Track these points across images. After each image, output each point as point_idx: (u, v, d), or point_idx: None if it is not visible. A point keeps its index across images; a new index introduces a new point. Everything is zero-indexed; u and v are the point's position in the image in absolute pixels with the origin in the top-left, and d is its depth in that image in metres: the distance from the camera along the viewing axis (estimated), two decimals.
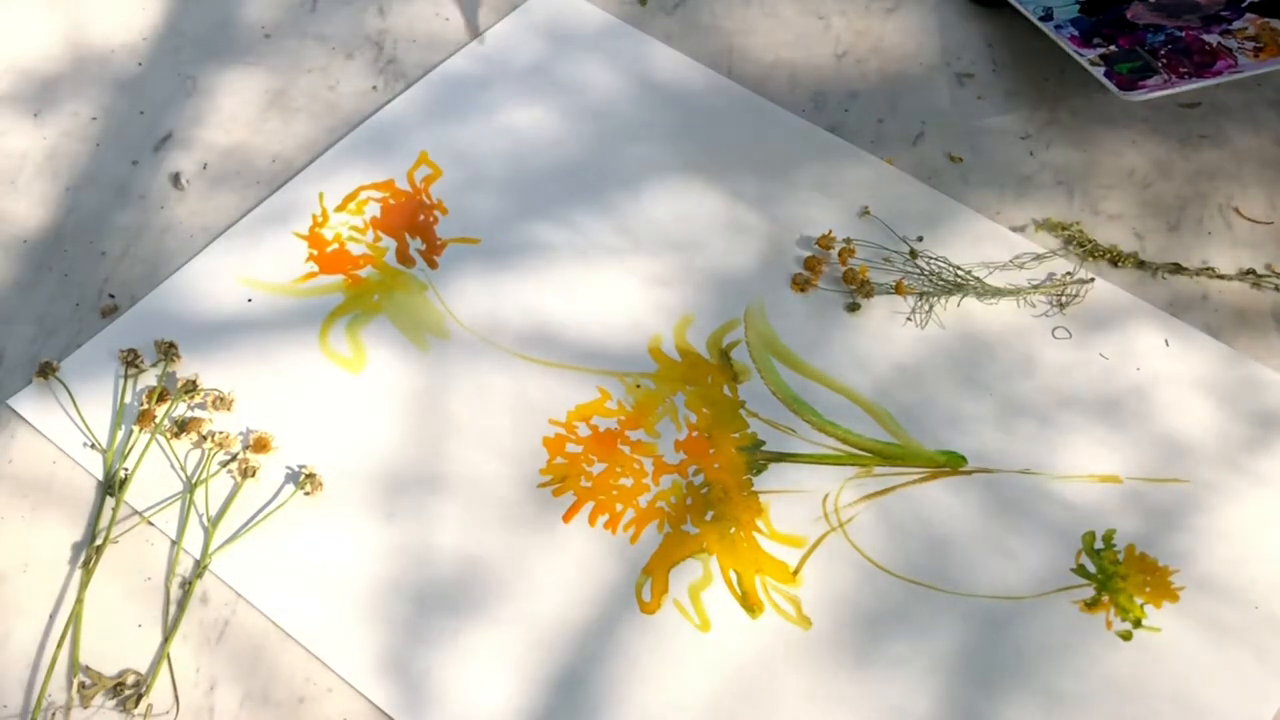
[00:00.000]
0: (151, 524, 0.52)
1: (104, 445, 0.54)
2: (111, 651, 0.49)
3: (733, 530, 0.52)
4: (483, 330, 0.58)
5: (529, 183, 0.64)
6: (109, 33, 0.70)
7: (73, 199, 0.63)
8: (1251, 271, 0.61)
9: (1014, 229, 0.62)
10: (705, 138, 0.66)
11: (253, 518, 0.52)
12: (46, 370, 0.55)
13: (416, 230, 0.62)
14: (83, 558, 0.51)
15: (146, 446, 0.54)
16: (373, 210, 0.62)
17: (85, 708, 0.48)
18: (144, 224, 0.62)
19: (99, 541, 0.51)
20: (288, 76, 0.68)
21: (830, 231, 0.61)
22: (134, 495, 0.53)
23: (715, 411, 0.56)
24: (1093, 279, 0.60)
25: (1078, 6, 0.67)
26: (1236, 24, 0.65)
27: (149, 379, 0.56)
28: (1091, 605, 0.51)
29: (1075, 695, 0.49)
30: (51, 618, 0.50)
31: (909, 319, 0.59)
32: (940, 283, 0.60)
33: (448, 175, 0.63)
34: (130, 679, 0.48)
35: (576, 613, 0.50)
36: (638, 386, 0.57)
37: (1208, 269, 0.61)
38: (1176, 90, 0.63)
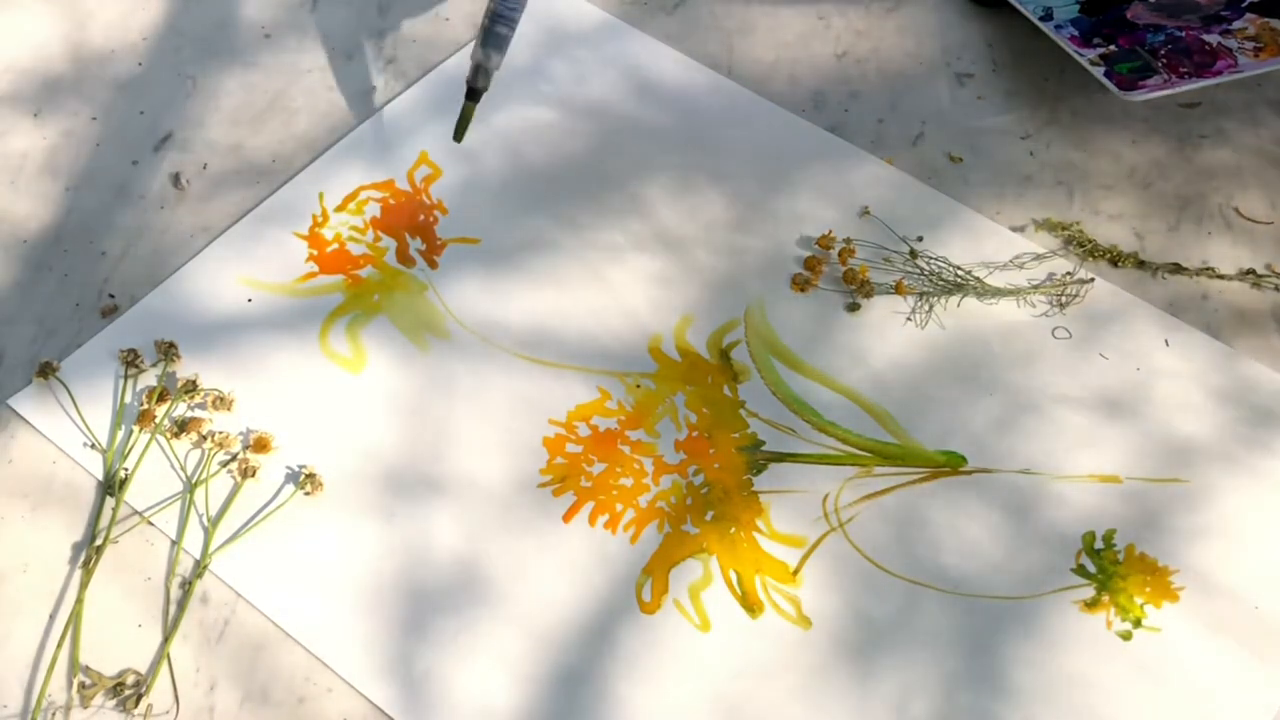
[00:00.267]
0: (151, 524, 0.52)
1: (104, 445, 0.54)
2: (111, 651, 0.49)
3: (733, 530, 0.52)
4: (483, 330, 0.58)
5: (529, 182, 0.64)
6: (109, 33, 0.70)
7: (73, 199, 0.63)
8: (1251, 271, 0.61)
9: (1014, 229, 0.62)
10: (705, 138, 0.66)
11: (253, 518, 0.52)
12: (46, 370, 0.55)
13: (416, 230, 0.62)
14: (83, 558, 0.51)
15: (146, 446, 0.54)
16: (373, 210, 0.62)
17: (85, 708, 0.48)
18: (144, 224, 0.62)
19: (99, 541, 0.51)
20: (288, 76, 0.68)
21: (830, 231, 0.61)
22: (134, 495, 0.53)
23: (715, 411, 0.56)
24: (1093, 279, 0.60)
25: (1078, 6, 0.67)
26: (1236, 24, 0.65)
27: (149, 379, 0.56)
28: (1091, 605, 0.51)
29: (1075, 695, 0.49)
30: (51, 618, 0.50)
31: (909, 319, 0.59)
32: (940, 283, 0.60)
33: (448, 175, 0.63)
34: (130, 679, 0.48)
35: (576, 613, 0.50)
36: (638, 386, 0.57)
37: (1208, 269, 0.61)
38: (1176, 90, 0.63)
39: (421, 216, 0.62)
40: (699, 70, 0.69)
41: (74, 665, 0.48)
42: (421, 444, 0.54)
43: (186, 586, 0.51)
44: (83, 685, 0.48)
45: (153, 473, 0.53)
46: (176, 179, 0.64)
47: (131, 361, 0.56)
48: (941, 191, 0.64)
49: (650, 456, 0.54)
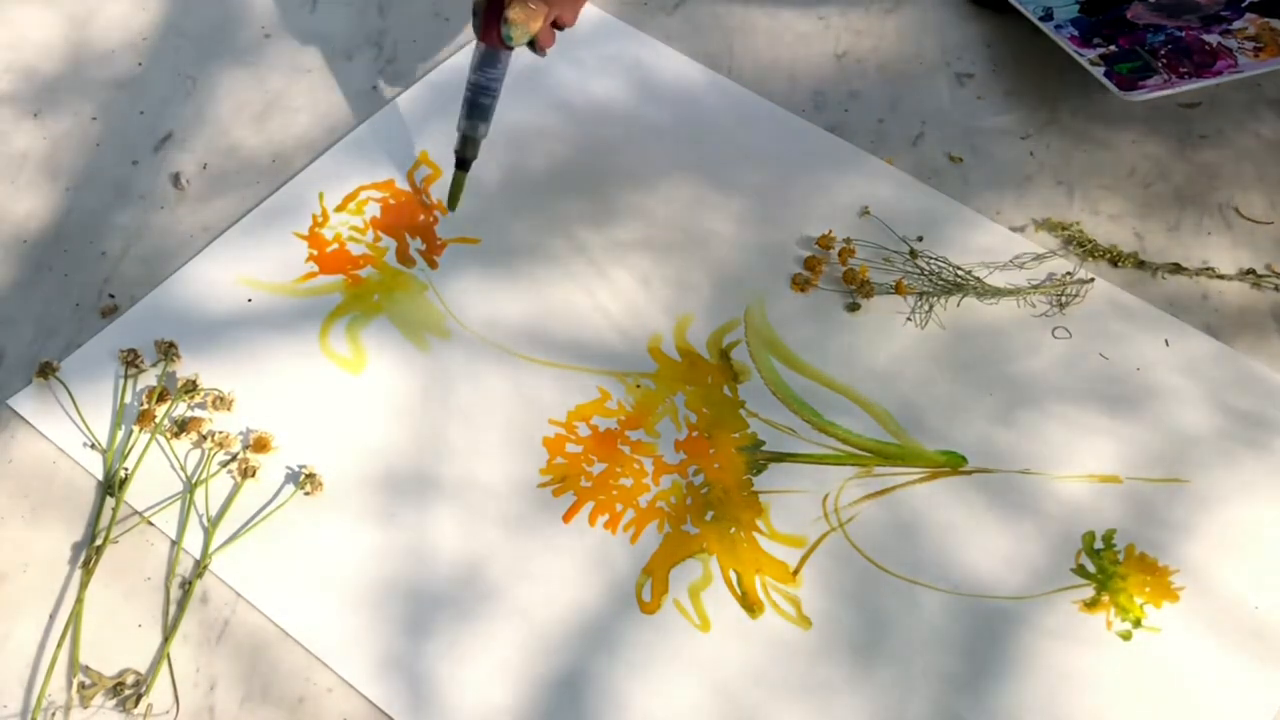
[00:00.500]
0: (151, 524, 0.52)
1: (104, 445, 0.54)
2: (111, 651, 0.49)
3: (733, 530, 0.52)
4: (483, 330, 0.58)
5: (529, 182, 0.64)
6: (109, 33, 0.70)
7: (73, 199, 0.63)
8: (1251, 271, 0.61)
9: (1014, 229, 0.62)
10: (705, 138, 0.66)
11: (253, 518, 0.52)
12: (46, 370, 0.55)
13: (416, 230, 0.62)
14: (83, 558, 0.51)
15: (146, 446, 0.54)
16: (373, 210, 0.62)
17: (85, 708, 0.48)
18: (144, 224, 0.62)
19: (99, 541, 0.51)
20: (288, 76, 0.68)
21: (830, 231, 0.61)
22: (134, 495, 0.53)
23: (715, 411, 0.56)
24: (1093, 279, 0.60)
25: (1078, 6, 0.67)
26: (1236, 24, 0.65)
27: (149, 379, 0.56)
28: (1091, 605, 0.51)
29: (1075, 695, 0.49)
30: (51, 618, 0.50)
31: (909, 319, 0.59)
32: (940, 283, 0.60)
33: (448, 175, 0.63)
34: (130, 679, 0.48)
35: (576, 613, 0.50)
36: (638, 386, 0.57)
37: (1208, 269, 0.61)
38: (1176, 90, 0.63)
39: (421, 216, 0.62)
40: (699, 70, 0.69)
41: (74, 665, 0.48)
42: (421, 444, 0.54)
43: (186, 586, 0.51)
44: (83, 685, 0.48)
45: (153, 473, 0.53)
46: (176, 179, 0.64)
47: (131, 361, 0.56)
48: (941, 191, 0.64)
49: (650, 456, 0.54)
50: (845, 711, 0.48)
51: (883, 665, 0.49)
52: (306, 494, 0.53)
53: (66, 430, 0.54)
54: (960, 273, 0.60)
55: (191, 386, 0.55)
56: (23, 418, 0.55)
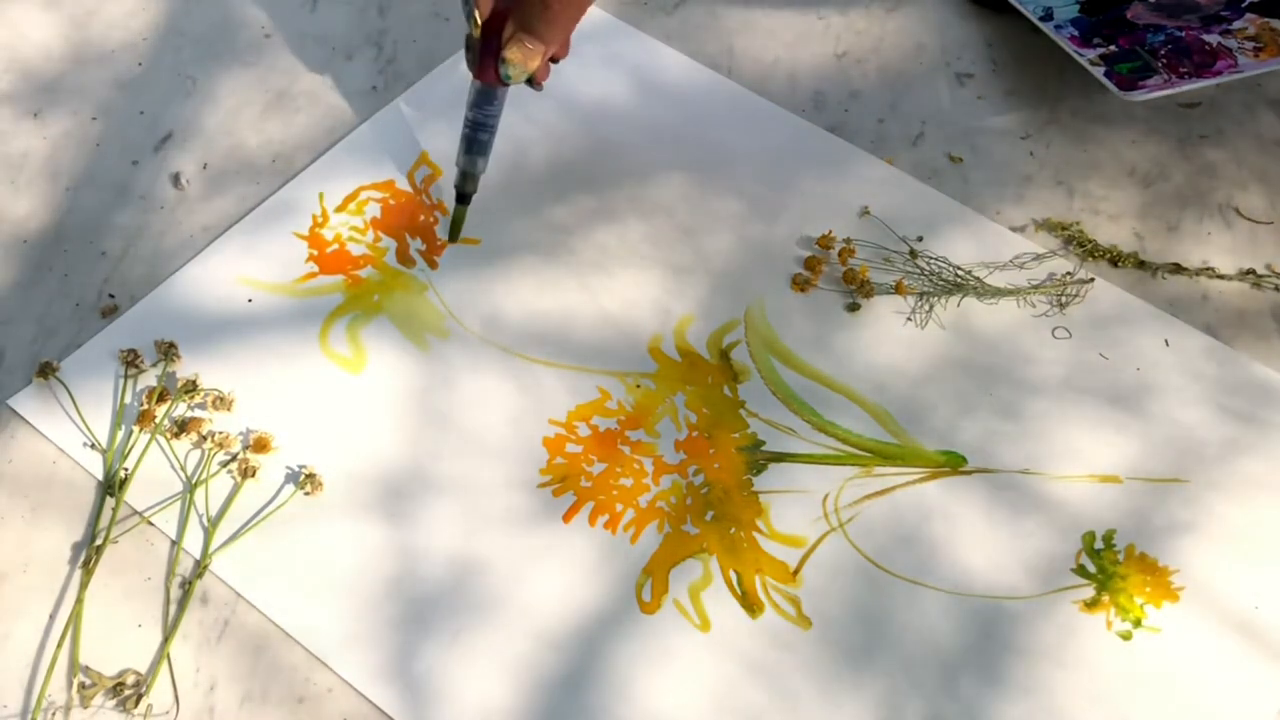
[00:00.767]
0: (151, 524, 0.52)
1: (104, 445, 0.54)
2: (111, 651, 0.49)
3: (733, 530, 0.52)
4: (483, 330, 0.58)
5: (529, 183, 0.64)
6: (109, 33, 0.70)
7: (73, 199, 0.63)
8: (1251, 271, 0.61)
9: (1014, 229, 0.62)
10: (705, 138, 0.66)
11: (253, 518, 0.52)
12: (46, 370, 0.55)
13: (417, 230, 0.62)
14: (83, 558, 0.51)
15: (146, 446, 0.54)
16: (373, 210, 0.62)
17: (85, 708, 0.48)
18: (144, 224, 0.62)
19: (99, 541, 0.51)
20: (288, 76, 0.68)
21: (830, 231, 0.61)
22: (134, 495, 0.53)
23: (715, 411, 0.56)
24: (1093, 279, 0.60)
25: (1078, 6, 0.67)
26: (1236, 24, 0.65)
27: (149, 379, 0.56)
28: (1091, 605, 0.51)
29: (1075, 695, 0.49)
30: (51, 618, 0.50)
31: (909, 319, 0.59)
32: (940, 283, 0.60)
33: (448, 175, 0.63)
34: (130, 679, 0.48)
35: (576, 613, 0.50)
36: (638, 386, 0.57)
37: (1208, 269, 0.61)
38: (1176, 90, 0.63)
39: (422, 217, 0.62)
40: (699, 70, 0.69)
41: (74, 665, 0.48)
42: (421, 444, 0.54)
43: (186, 586, 0.51)
44: (83, 685, 0.48)
45: (153, 473, 0.53)
46: (176, 179, 0.64)
47: (131, 361, 0.56)
48: (941, 191, 0.64)
49: (650, 456, 0.54)
50: (845, 711, 0.48)
51: (883, 665, 0.49)
52: (306, 494, 0.53)
53: (66, 430, 0.54)
54: (960, 273, 0.60)
55: (191, 387, 0.55)
56: (23, 418, 0.55)
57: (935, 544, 0.52)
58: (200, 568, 0.51)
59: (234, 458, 0.53)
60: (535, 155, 0.65)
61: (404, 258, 0.61)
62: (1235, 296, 0.60)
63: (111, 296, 0.59)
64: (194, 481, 0.53)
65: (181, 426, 0.54)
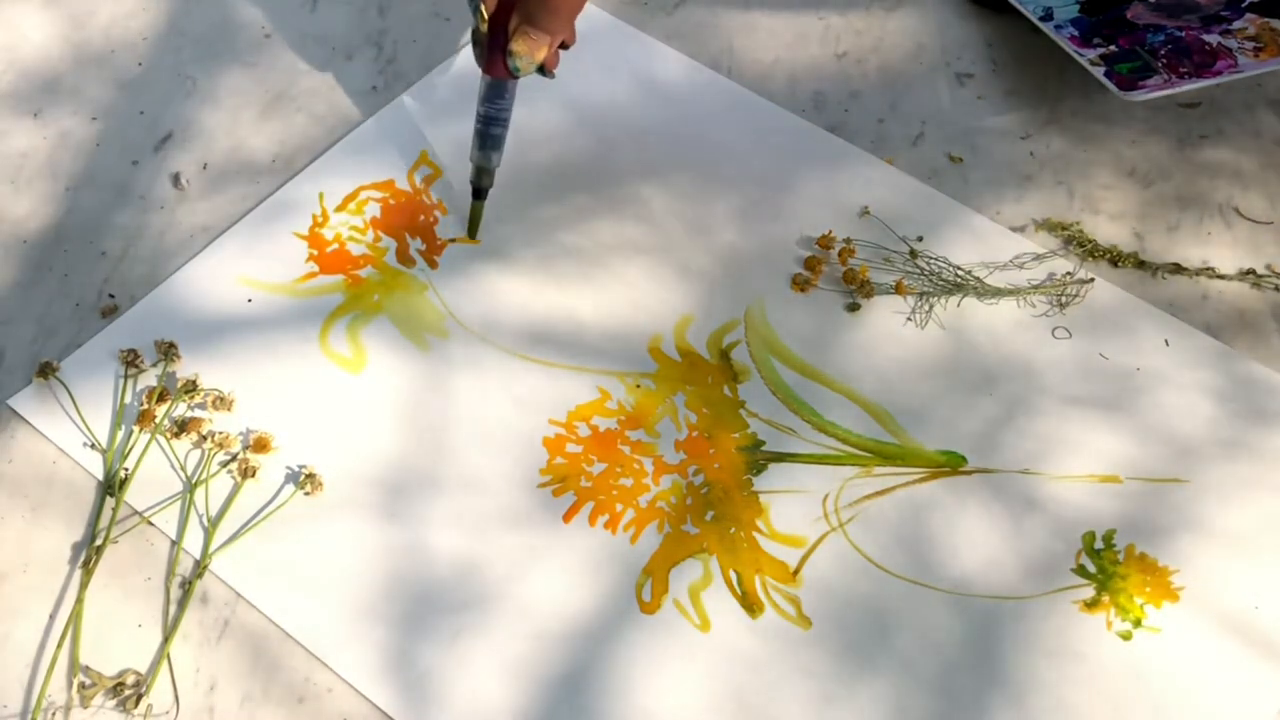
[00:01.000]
0: (151, 524, 0.52)
1: (104, 445, 0.54)
2: (111, 651, 0.49)
3: (733, 530, 0.52)
4: (483, 330, 0.58)
5: (529, 182, 0.64)
6: (109, 33, 0.70)
7: (73, 199, 0.63)
8: (1251, 271, 0.61)
9: (1014, 229, 0.62)
10: (705, 138, 0.66)
11: (253, 518, 0.52)
12: (46, 370, 0.55)
13: (417, 230, 0.62)
14: (83, 558, 0.51)
15: (146, 446, 0.54)
16: (373, 210, 0.62)
17: (85, 708, 0.48)
18: (144, 224, 0.62)
19: (99, 541, 0.51)
20: (288, 76, 0.68)
21: (830, 231, 0.61)
22: (134, 495, 0.53)
23: (715, 411, 0.56)
24: (1093, 279, 0.60)
25: (1078, 6, 0.67)
26: (1236, 24, 0.65)
27: (149, 379, 0.56)
28: (1091, 605, 0.51)
29: (1076, 695, 0.49)
30: (51, 618, 0.50)
31: (909, 319, 0.59)
32: (940, 283, 0.60)
33: (448, 175, 0.63)
34: (130, 679, 0.48)
35: (576, 613, 0.50)
36: (638, 386, 0.57)
37: (1208, 269, 0.61)
38: (1176, 90, 0.63)
39: (421, 217, 0.62)
40: (699, 70, 0.69)
41: (74, 665, 0.48)
42: (421, 444, 0.54)
43: (186, 586, 0.51)
44: (83, 685, 0.48)
45: (153, 473, 0.53)
46: (176, 179, 0.64)
47: (131, 361, 0.56)
48: (941, 191, 0.64)
49: (650, 456, 0.54)
50: (845, 711, 0.48)
51: (883, 665, 0.49)
52: (306, 494, 0.53)
53: (66, 430, 0.54)
54: (960, 273, 0.60)
55: (191, 386, 0.55)
56: (23, 418, 0.55)
57: (935, 544, 0.52)
58: (200, 568, 0.51)
59: (234, 458, 0.53)
60: (535, 155, 0.65)
61: (404, 258, 0.61)
62: (1235, 296, 0.60)
63: (111, 296, 0.59)
64: (194, 481, 0.53)
65: (181, 426, 0.54)
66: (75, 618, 0.49)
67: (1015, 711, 0.48)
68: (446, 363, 0.57)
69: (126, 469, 0.53)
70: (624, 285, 0.60)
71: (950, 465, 0.54)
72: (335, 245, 0.61)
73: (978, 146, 0.66)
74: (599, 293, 0.60)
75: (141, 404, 0.55)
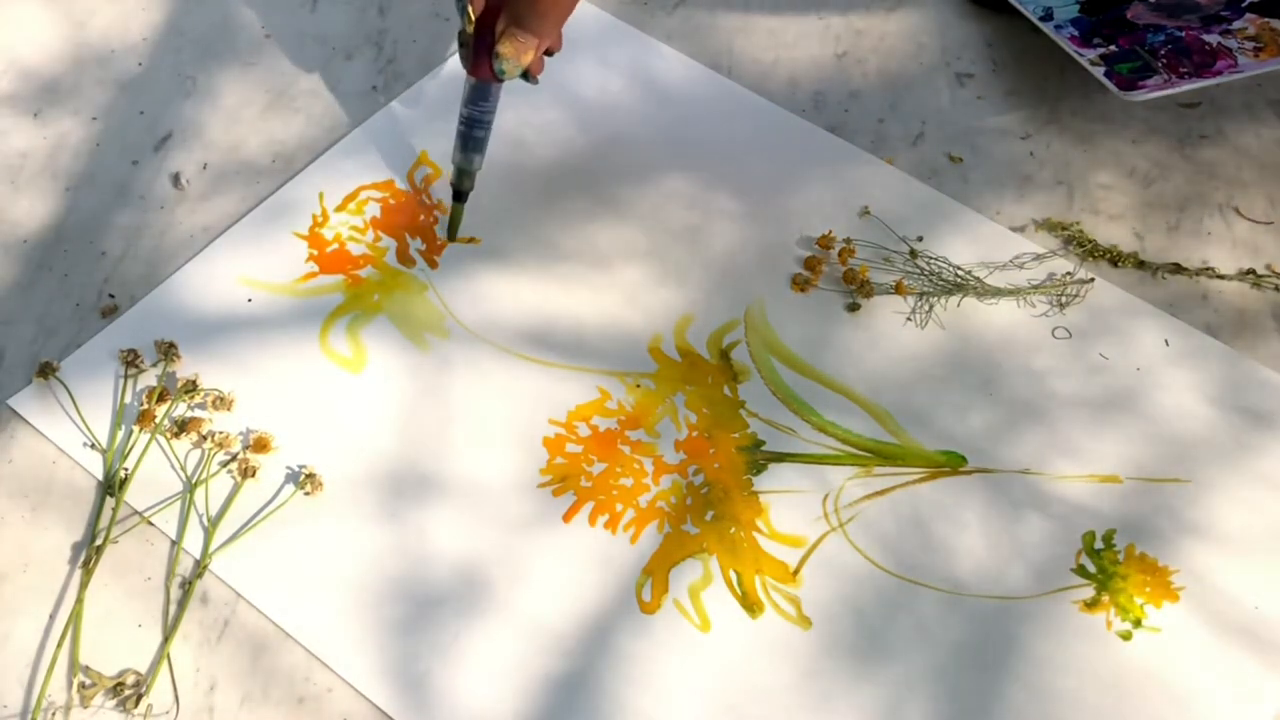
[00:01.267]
0: (151, 524, 0.52)
1: (104, 445, 0.54)
2: (111, 651, 0.49)
3: (733, 530, 0.52)
4: (483, 330, 0.58)
5: (529, 182, 0.64)
6: (109, 33, 0.70)
7: (73, 199, 0.63)
8: (1251, 271, 0.61)
9: (1014, 229, 0.62)
10: (705, 138, 0.66)
11: (253, 518, 0.52)
12: (46, 370, 0.55)
13: (416, 230, 0.62)
14: (83, 558, 0.51)
15: (146, 446, 0.54)
16: (373, 210, 0.62)
17: (85, 708, 0.48)
18: (144, 224, 0.62)
19: (99, 541, 0.51)
20: (288, 76, 0.68)
21: (830, 231, 0.61)
22: (134, 495, 0.53)
23: (715, 411, 0.56)
24: (1093, 279, 0.60)
25: (1078, 6, 0.67)
26: (1236, 24, 0.65)
27: (149, 379, 0.56)
28: (1091, 605, 0.51)
29: (1076, 695, 0.49)
30: (51, 618, 0.50)
31: (909, 319, 0.59)
32: (940, 283, 0.60)
33: (448, 175, 0.63)
34: (130, 679, 0.48)
35: (576, 613, 0.50)
36: (638, 386, 0.57)
37: (1208, 269, 0.61)
38: (1176, 90, 0.63)
39: (422, 216, 0.62)
40: (699, 70, 0.69)
41: (74, 665, 0.48)
42: (421, 444, 0.54)
43: (186, 586, 0.51)
44: (83, 685, 0.48)
45: (153, 473, 0.53)
46: (176, 179, 0.64)
47: (131, 361, 0.56)
48: (941, 191, 0.64)
49: (650, 456, 0.54)
50: (845, 711, 0.48)
51: (883, 665, 0.49)
52: (306, 494, 0.53)
53: (66, 430, 0.54)
54: (960, 273, 0.60)
55: (191, 387, 0.55)
56: (23, 418, 0.55)
57: (935, 544, 0.52)
58: (200, 568, 0.51)
59: (234, 458, 0.53)
60: (535, 155, 0.65)
61: (404, 257, 0.61)
62: (1235, 296, 0.60)
63: (111, 296, 0.59)
64: (194, 481, 0.53)
65: (181, 426, 0.54)
66: (75, 618, 0.49)
67: (1015, 711, 0.48)
68: (446, 363, 0.57)
69: (126, 469, 0.53)
70: (624, 285, 0.60)
71: (950, 465, 0.54)
72: (335, 245, 0.61)
73: (978, 146, 0.66)
74: (599, 293, 0.60)
75: (141, 404, 0.55)
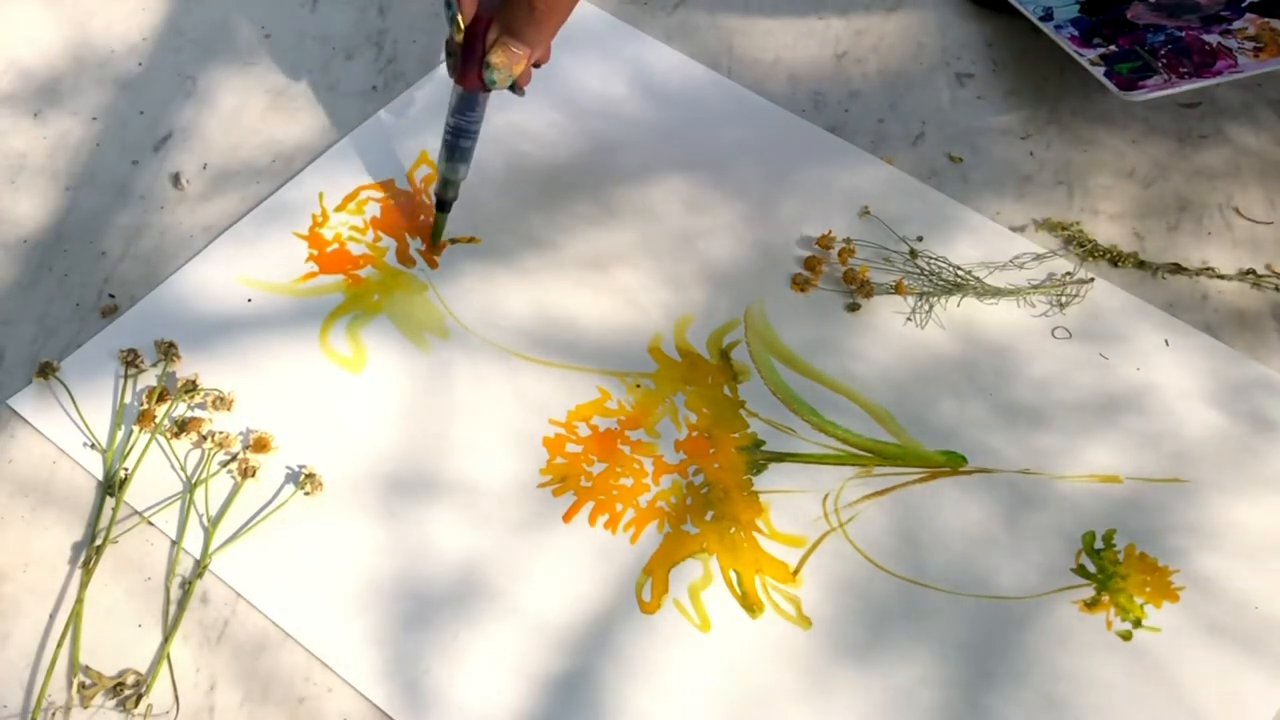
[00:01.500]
0: (151, 524, 0.52)
1: (104, 445, 0.54)
2: (111, 651, 0.49)
3: (733, 530, 0.52)
4: (483, 330, 0.58)
5: (529, 182, 0.64)
6: (109, 33, 0.70)
7: (73, 199, 0.63)
8: (1251, 271, 0.61)
9: (1014, 229, 0.62)
10: (705, 138, 0.66)
11: (253, 518, 0.52)
12: (46, 370, 0.55)
13: (416, 230, 0.62)
14: (83, 558, 0.51)
15: (146, 446, 0.54)
16: (373, 210, 0.62)
17: (85, 708, 0.48)
18: (144, 224, 0.62)
19: (99, 541, 0.51)
20: (288, 76, 0.68)
21: (830, 231, 0.61)
22: (134, 495, 0.53)
23: (715, 411, 0.56)
24: (1093, 279, 0.60)
25: (1078, 6, 0.67)
26: (1236, 24, 0.65)
27: (149, 379, 0.56)
28: (1091, 605, 0.51)
29: (1075, 695, 0.49)
30: (51, 618, 0.50)
31: (909, 319, 0.59)
32: (940, 283, 0.60)
33: None
34: (130, 679, 0.48)
35: (576, 613, 0.50)
36: (638, 386, 0.57)
37: (1208, 269, 0.61)
38: (1176, 90, 0.63)
39: (421, 216, 0.62)
40: (699, 70, 0.69)
41: (74, 665, 0.48)
42: (421, 444, 0.54)
43: (186, 586, 0.51)
44: (83, 685, 0.48)
45: (153, 473, 0.53)
46: (176, 179, 0.64)
47: (131, 361, 0.56)
48: (941, 191, 0.64)
49: (650, 456, 0.54)
50: (845, 711, 0.48)
51: (883, 665, 0.49)
52: (306, 494, 0.53)
53: (66, 430, 0.54)
54: (960, 273, 0.60)
55: (191, 386, 0.55)
56: (23, 418, 0.55)
57: (935, 544, 0.52)
58: (200, 568, 0.51)
59: (234, 458, 0.53)
60: (535, 155, 0.65)
61: (404, 257, 0.61)
62: (1235, 296, 0.60)
63: (111, 296, 0.59)
64: (194, 481, 0.53)
65: (181, 426, 0.54)
66: (75, 618, 0.49)
67: (1015, 711, 0.48)
68: (446, 363, 0.57)
69: (126, 469, 0.53)
70: (624, 285, 0.60)
71: (950, 465, 0.54)
72: (335, 245, 0.61)
73: (978, 146, 0.66)
74: (599, 293, 0.60)
75: (141, 404, 0.55)
